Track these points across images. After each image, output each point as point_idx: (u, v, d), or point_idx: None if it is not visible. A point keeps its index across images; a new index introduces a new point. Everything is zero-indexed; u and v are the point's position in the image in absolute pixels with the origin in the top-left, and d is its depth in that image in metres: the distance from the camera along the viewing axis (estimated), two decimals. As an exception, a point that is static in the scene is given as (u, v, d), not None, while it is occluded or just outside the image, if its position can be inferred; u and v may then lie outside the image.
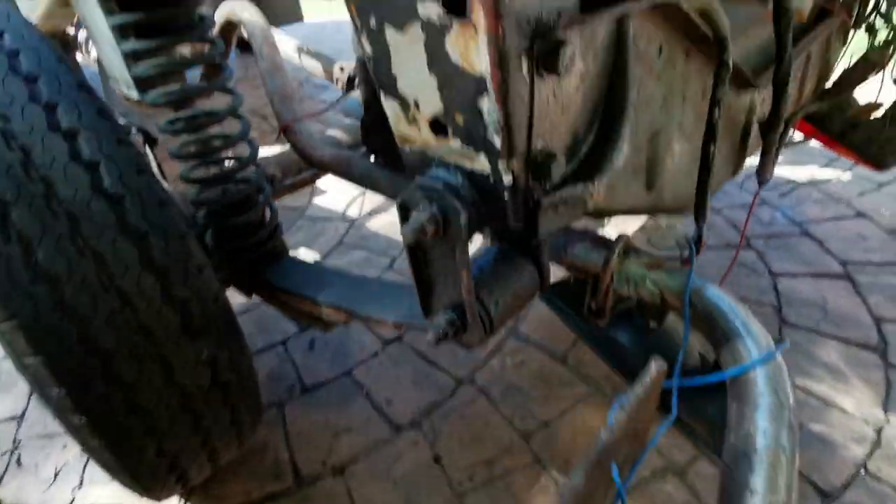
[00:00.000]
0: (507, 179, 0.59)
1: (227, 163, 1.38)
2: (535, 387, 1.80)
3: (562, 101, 0.58)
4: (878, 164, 1.72)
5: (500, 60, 0.48)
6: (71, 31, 2.29)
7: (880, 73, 1.56)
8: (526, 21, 0.48)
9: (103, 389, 0.94)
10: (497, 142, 0.55)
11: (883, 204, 2.63)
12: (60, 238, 0.84)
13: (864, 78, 1.58)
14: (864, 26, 1.63)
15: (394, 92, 0.61)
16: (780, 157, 2.93)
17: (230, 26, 1.61)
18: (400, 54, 0.57)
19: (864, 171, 2.80)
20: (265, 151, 2.20)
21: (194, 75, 1.78)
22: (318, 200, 2.96)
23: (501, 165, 0.58)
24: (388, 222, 2.71)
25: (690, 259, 0.83)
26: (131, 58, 1.07)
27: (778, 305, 2.07)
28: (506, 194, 0.60)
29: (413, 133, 0.64)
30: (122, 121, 1.85)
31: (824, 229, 2.47)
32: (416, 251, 0.70)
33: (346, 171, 1.27)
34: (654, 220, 0.89)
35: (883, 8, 1.56)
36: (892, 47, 1.54)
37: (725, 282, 2.18)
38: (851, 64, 1.63)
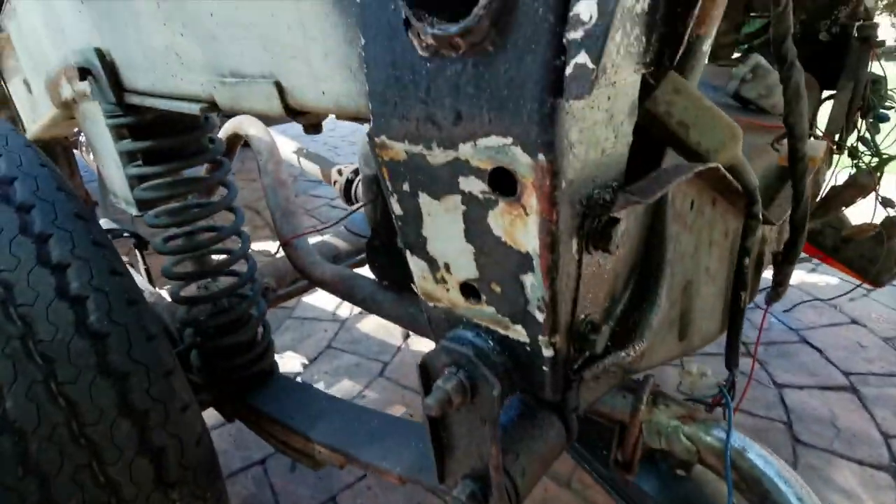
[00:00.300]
0: (547, 353, 0.53)
1: (221, 278, 1.32)
2: (539, 517, 1.65)
3: (605, 270, 0.54)
4: (874, 281, 1.74)
5: (552, 243, 0.44)
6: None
7: (870, 195, 1.61)
8: (578, 202, 0.45)
9: (58, 558, 0.80)
10: (539, 316, 0.51)
11: (873, 310, 2.64)
12: (33, 384, 0.75)
13: (853, 200, 1.62)
14: (847, 152, 1.70)
15: (422, 252, 0.57)
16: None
17: (236, 138, 1.62)
18: (434, 220, 0.53)
19: (849, 276, 2.87)
20: (255, 246, 2.15)
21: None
22: (307, 299, 2.88)
23: (542, 339, 0.52)
24: (380, 324, 2.63)
25: (728, 413, 0.76)
26: (136, 180, 1.04)
27: (788, 422, 1.99)
28: (545, 367, 0.55)
29: (440, 293, 0.59)
30: (112, 225, 1.81)
31: (822, 337, 2.46)
32: (438, 422, 0.63)
33: (347, 293, 1.21)
34: (685, 367, 0.83)
35: (866, 134, 1.64)
36: (879, 171, 1.60)
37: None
38: (840, 185, 1.69)
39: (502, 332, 0.57)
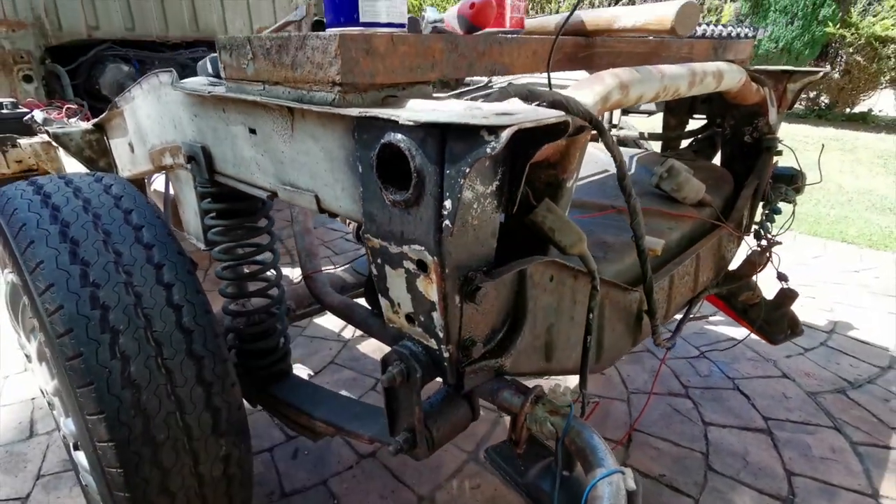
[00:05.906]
0: (446, 355, 1.00)
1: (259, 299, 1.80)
2: (487, 510, 2.05)
3: (480, 314, 1.01)
4: (771, 340, 2.15)
5: (444, 297, 0.92)
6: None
7: (763, 271, 2.06)
8: (458, 277, 0.93)
9: (148, 473, 1.25)
10: (441, 334, 0.97)
11: (805, 367, 3.03)
12: (148, 357, 1.23)
13: (750, 274, 2.07)
14: (753, 234, 2.16)
15: (386, 295, 1.05)
16: (718, 319, 3.41)
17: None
18: (392, 279, 1.01)
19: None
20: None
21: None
22: (317, 320, 3.35)
23: (443, 347, 0.99)
24: (376, 347, 3.08)
25: (569, 413, 1.21)
26: (209, 227, 1.53)
27: (706, 453, 2.38)
28: (445, 364, 1.01)
29: (395, 319, 1.07)
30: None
31: (753, 386, 2.84)
32: (389, 391, 1.09)
33: (349, 317, 1.68)
34: (554, 386, 1.28)
35: (765, 221, 2.10)
36: (768, 253, 2.05)
37: (659, 427, 2.50)
38: (744, 259, 2.14)
39: (425, 342, 1.03)
